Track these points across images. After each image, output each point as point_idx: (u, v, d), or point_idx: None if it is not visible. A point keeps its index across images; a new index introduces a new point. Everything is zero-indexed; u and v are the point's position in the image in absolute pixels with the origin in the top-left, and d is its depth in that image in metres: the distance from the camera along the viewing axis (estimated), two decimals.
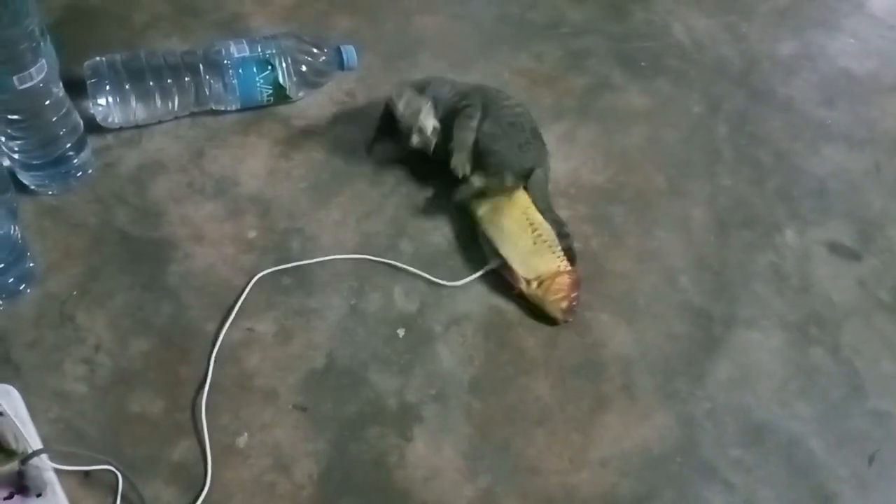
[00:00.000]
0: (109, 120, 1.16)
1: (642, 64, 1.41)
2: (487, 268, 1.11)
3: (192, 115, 1.21)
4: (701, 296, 1.11)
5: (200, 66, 1.17)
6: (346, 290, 1.06)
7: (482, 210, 1.13)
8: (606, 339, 1.05)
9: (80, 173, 1.11)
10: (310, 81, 1.23)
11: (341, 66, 1.23)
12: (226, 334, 1.00)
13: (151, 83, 1.15)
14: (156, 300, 1.03)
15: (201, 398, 0.95)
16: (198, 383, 0.96)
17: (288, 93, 1.22)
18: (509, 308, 1.07)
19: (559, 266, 1.09)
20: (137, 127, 1.19)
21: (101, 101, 1.14)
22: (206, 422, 0.93)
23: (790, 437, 0.99)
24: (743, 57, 1.47)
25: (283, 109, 1.24)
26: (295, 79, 1.21)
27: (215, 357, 0.98)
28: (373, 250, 1.10)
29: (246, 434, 0.94)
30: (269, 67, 1.19)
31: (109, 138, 1.18)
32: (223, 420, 0.94)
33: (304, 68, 1.21)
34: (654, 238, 1.17)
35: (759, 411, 1.01)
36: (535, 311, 1.08)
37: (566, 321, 1.07)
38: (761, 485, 0.95)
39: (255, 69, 1.18)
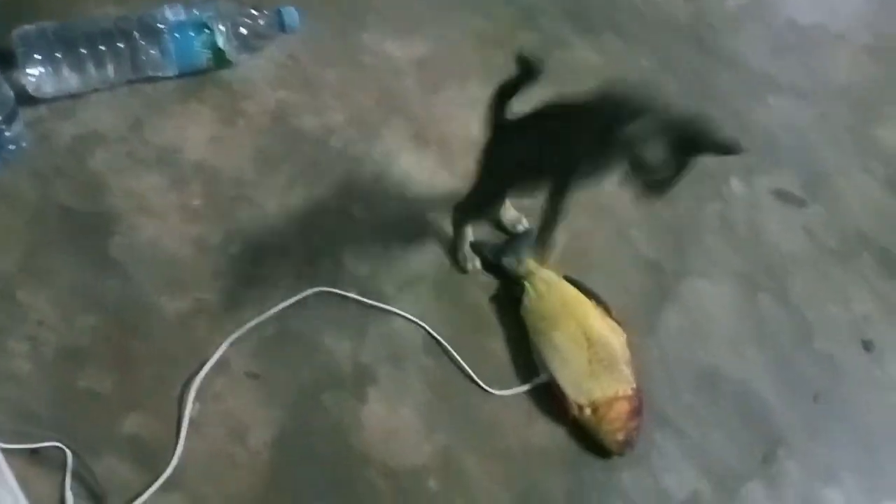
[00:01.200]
0: (42, 90, 1.11)
1: (593, 21, 1.40)
2: (538, 381, 1.00)
3: (130, 82, 1.17)
4: (652, 249, 1.12)
5: (135, 31, 1.13)
6: (295, 255, 1.04)
7: (532, 318, 1.03)
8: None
9: (14, 147, 1.07)
10: (251, 45, 1.20)
11: (282, 28, 1.20)
12: (174, 305, 0.98)
13: (84, 50, 1.11)
14: (101, 275, 1.00)
15: (154, 372, 0.93)
16: (148, 357, 0.95)
17: (228, 57, 1.18)
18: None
19: (617, 391, 0.97)
20: (72, 97, 1.15)
21: (32, 70, 1.09)
22: (160, 394, 0.92)
23: (740, 383, 1.01)
24: (691, 11, 1.47)
25: (224, 74, 1.21)
26: (235, 42, 1.18)
27: (166, 327, 0.97)
28: (322, 215, 1.09)
29: (198, 404, 0.92)
30: (207, 30, 1.15)
31: (43, 109, 1.14)
32: (174, 391, 0.93)
33: (243, 31, 1.17)
34: (605, 194, 1.16)
35: (708, 358, 1.03)
36: (588, 439, 0.97)
37: (621, 455, 0.95)
38: (712, 429, 0.97)
39: (192, 33, 1.14)
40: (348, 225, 1.08)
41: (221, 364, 0.96)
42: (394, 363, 0.98)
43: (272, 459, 0.90)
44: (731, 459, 0.96)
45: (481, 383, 0.97)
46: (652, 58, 1.34)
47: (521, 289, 1.04)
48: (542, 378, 0.98)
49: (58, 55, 1.10)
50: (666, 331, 1.04)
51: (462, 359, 0.99)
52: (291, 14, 1.20)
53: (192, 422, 0.91)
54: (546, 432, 0.95)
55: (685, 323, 1.05)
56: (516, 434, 0.95)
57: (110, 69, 1.14)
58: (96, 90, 1.15)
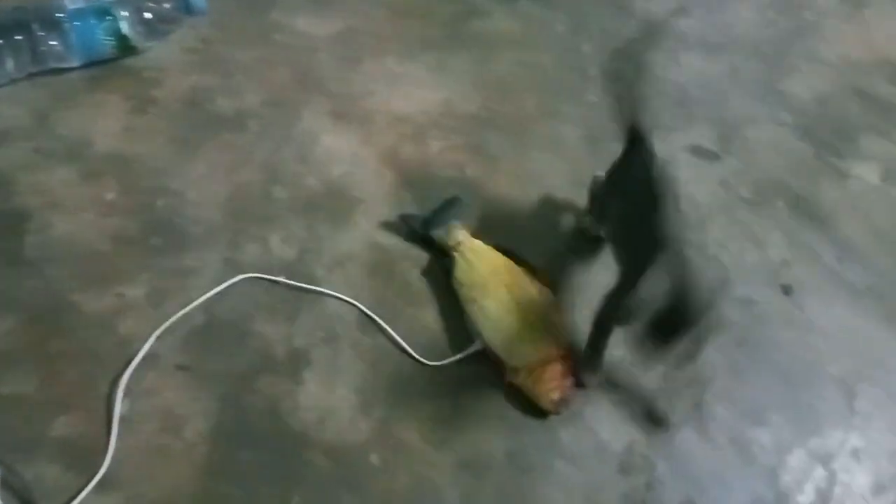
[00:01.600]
0: None
1: None
2: (472, 349, 1.00)
3: (32, 76, 1.13)
4: (578, 212, 1.14)
5: (33, 22, 1.09)
6: (219, 243, 1.03)
7: (462, 287, 1.03)
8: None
9: None
10: (157, 30, 1.17)
11: (189, 10, 1.18)
12: (95, 302, 0.96)
13: None
14: (15, 275, 0.97)
15: (80, 371, 0.91)
16: (71, 356, 0.92)
17: (134, 43, 1.15)
18: (391, 243, 1.07)
19: (550, 352, 0.98)
20: None
21: None
22: (87, 393, 0.90)
23: None
24: None
25: (132, 62, 1.18)
26: (140, 28, 1.15)
27: (88, 325, 0.94)
28: (245, 201, 1.07)
29: (128, 400, 0.90)
30: (110, 17, 1.12)
31: None
32: (102, 389, 0.91)
33: (148, 16, 1.14)
34: (529, 160, 1.18)
35: None
36: (526, 402, 0.98)
37: (558, 413, 0.98)
38: (641, 379, 0.99)
39: (93, 20, 1.11)
40: (272, 208, 1.07)
41: (150, 358, 0.94)
42: (328, 344, 0.98)
43: (209, 450, 0.89)
44: (663, 407, 0.98)
45: (416, 356, 0.98)
46: (567, 22, 1.36)
47: (451, 260, 1.05)
48: (476, 346, 0.99)
49: None
50: (594, 289, 1.06)
51: (396, 333, 0.99)
52: None
53: (123, 419, 0.89)
54: (483, 398, 0.96)
55: (611, 279, 1.07)
56: (454, 403, 0.96)
57: (10, 64, 1.09)
58: None
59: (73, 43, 1.11)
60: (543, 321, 1.00)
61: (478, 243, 1.06)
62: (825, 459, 0.98)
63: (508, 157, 1.17)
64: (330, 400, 0.94)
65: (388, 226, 1.07)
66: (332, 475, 0.90)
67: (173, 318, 0.95)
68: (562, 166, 1.17)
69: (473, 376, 0.98)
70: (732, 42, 1.40)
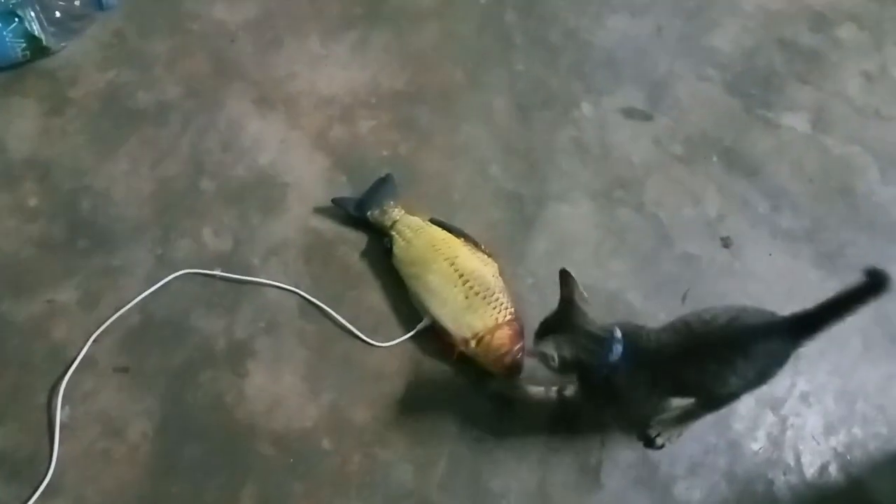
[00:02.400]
0: None
1: None
2: (421, 326, 0.99)
3: None
4: (512, 180, 1.13)
5: None
6: (149, 240, 1.01)
7: (403, 265, 1.02)
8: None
9: None
10: (69, 28, 1.12)
11: (100, 5, 1.13)
12: (25, 310, 0.93)
13: None
14: None
15: (12, 382, 0.88)
16: (4, 367, 0.90)
17: (45, 43, 1.11)
18: (327, 227, 1.06)
19: (497, 319, 0.99)
20: None
21: None
22: (23, 403, 0.87)
23: (609, 294, 1.05)
24: None
25: (45, 63, 1.13)
26: (51, 28, 1.10)
27: (19, 335, 0.91)
28: (172, 195, 1.04)
29: (67, 407, 0.88)
30: (17, 19, 1.07)
31: None
32: (40, 398, 0.88)
33: (58, 14, 1.10)
34: (460, 133, 1.17)
35: (578, 276, 1.03)
36: (477, 372, 0.98)
37: (512, 378, 0.98)
38: None
39: (0, 24, 1.07)
40: (201, 201, 1.04)
41: (87, 363, 0.92)
42: (270, 333, 0.97)
43: (154, 449, 0.87)
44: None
45: (365, 338, 0.97)
46: None
47: (389, 239, 1.04)
48: (425, 322, 0.99)
49: None
50: (535, 257, 1.06)
51: (341, 317, 0.98)
52: None
53: (63, 426, 0.87)
54: (432, 372, 0.96)
55: (552, 246, 1.08)
56: (403, 380, 0.95)
57: None
58: None
59: None
60: (488, 289, 1.00)
61: (414, 220, 1.06)
62: (774, 405, 1.00)
63: (439, 132, 1.16)
64: (276, 389, 0.93)
65: (322, 210, 1.05)
66: (282, 464, 0.89)
67: (108, 322, 0.93)
68: (493, 136, 1.17)
69: (421, 352, 0.98)
70: (655, 2, 1.40)
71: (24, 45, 1.10)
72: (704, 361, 0.84)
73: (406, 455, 0.91)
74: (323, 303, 0.99)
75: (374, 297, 1.01)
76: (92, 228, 1.00)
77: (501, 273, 1.02)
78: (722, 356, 0.84)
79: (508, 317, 0.99)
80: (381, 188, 1.08)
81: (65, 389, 0.89)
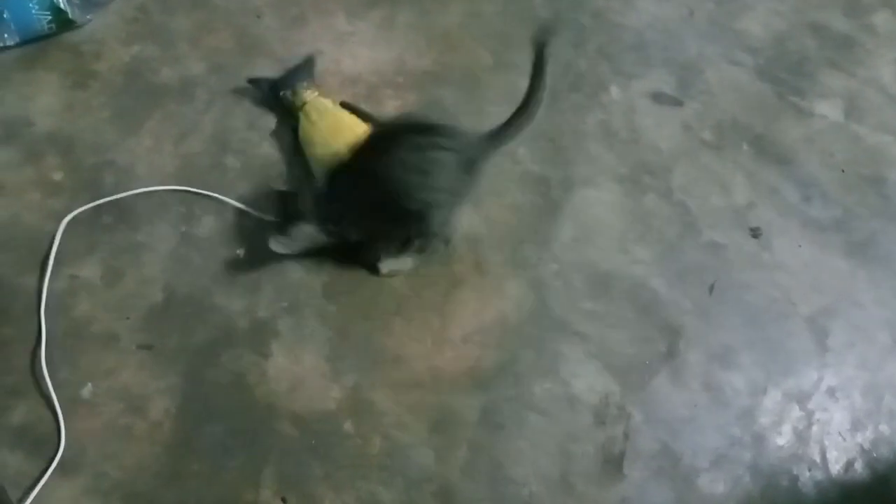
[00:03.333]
0: None
1: None
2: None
3: None
4: (539, 164, 1.12)
5: None
6: (173, 218, 1.00)
7: (306, 147, 1.04)
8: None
9: None
10: (94, 2, 1.12)
11: None
12: (48, 285, 0.93)
13: None
14: None
15: (34, 357, 0.88)
16: (25, 342, 0.89)
17: (71, 17, 1.10)
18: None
19: None
20: None
21: None
22: (42, 379, 0.87)
23: (634, 282, 1.03)
24: None
25: (70, 37, 1.13)
26: (76, 1, 1.09)
27: (41, 311, 0.91)
28: (196, 172, 1.04)
29: (90, 384, 0.88)
30: None
31: None
32: (63, 373, 0.88)
33: None
34: (486, 115, 1.14)
35: (603, 263, 1.05)
36: None
37: None
38: (612, 330, 0.99)
39: None
40: (226, 178, 1.03)
41: (110, 340, 0.91)
42: (292, 313, 0.96)
43: (175, 427, 0.87)
44: (635, 356, 0.98)
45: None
46: None
47: (295, 120, 1.06)
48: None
49: None
50: (559, 243, 1.05)
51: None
52: None
53: (85, 402, 0.87)
54: (451, 357, 0.95)
55: (577, 232, 1.06)
56: (423, 363, 0.94)
57: None
58: None
59: (8, 21, 1.06)
60: None
61: (324, 102, 1.07)
62: (801, 399, 0.99)
63: (465, 113, 1.14)
64: (298, 369, 0.93)
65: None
66: (303, 444, 0.89)
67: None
68: None
69: (441, 336, 0.96)
70: None
71: (49, 17, 1.09)
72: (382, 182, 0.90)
73: (427, 440, 0.90)
74: (345, 283, 0.98)
75: (396, 280, 0.99)
76: (115, 204, 0.99)
77: None
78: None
79: None
80: (295, 71, 1.09)
81: (87, 365, 0.89)
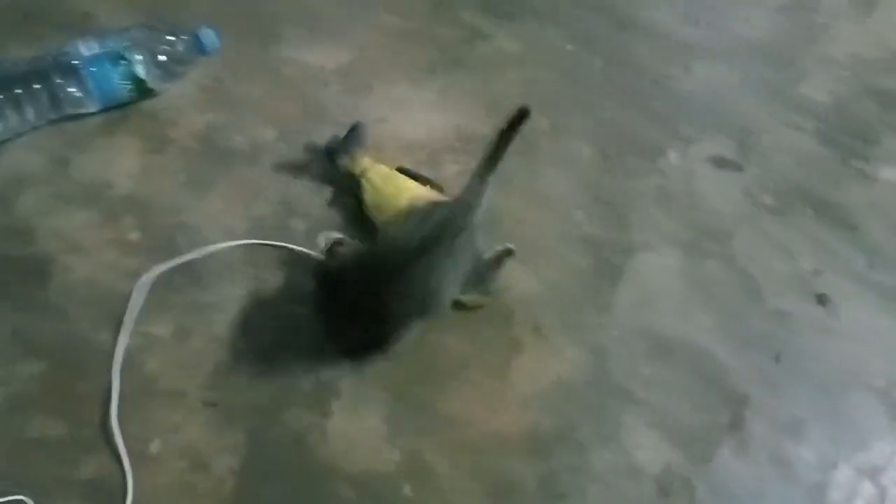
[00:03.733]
0: None
1: (508, 9, 1.40)
2: None
3: (52, 122, 1.14)
4: (596, 227, 1.12)
5: (50, 70, 1.10)
6: (241, 278, 1.03)
7: (374, 211, 1.07)
8: (511, 284, 1.05)
9: None
10: (172, 71, 1.18)
11: (202, 51, 1.18)
12: (121, 343, 0.95)
13: (0, 96, 1.08)
14: (39, 319, 0.97)
15: (106, 412, 0.90)
16: (98, 397, 0.92)
17: (150, 85, 1.16)
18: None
19: None
20: None
21: None
22: (112, 434, 0.89)
23: (697, 350, 1.02)
24: None
25: (149, 104, 1.18)
26: (156, 70, 1.16)
27: (114, 367, 0.94)
28: (263, 234, 1.06)
29: (157, 440, 0.90)
30: (125, 61, 1.13)
31: None
32: (132, 429, 0.90)
33: (162, 58, 1.15)
34: (544, 179, 1.17)
35: (665, 330, 1.04)
36: None
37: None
38: (676, 399, 0.98)
39: (109, 65, 1.12)
40: (292, 242, 1.05)
41: (177, 396, 0.93)
42: (354, 373, 0.96)
43: (237, 484, 0.87)
44: (699, 426, 0.96)
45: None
46: (572, 39, 1.35)
47: (359, 186, 1.08)
48: None
49: None
50: (619, 307, 1.05)
51: None
52: (209, 36, 1.18)
53: (152, 457, 0.89)
54: (509, 421, 0.94)
55: (637, 297, 1.06)
56: (482, 427, 0.94)
57: (30, 112, 1.11)
58: (18, 134, 1.13)
59: (91, 88, 1.12)
60: None
61: (383, 167, 1.09)
62: (873, 474, 0.95)
63: (523, 177, 1.16)
64: (357, 431, 0.93)
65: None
66: None
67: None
68: (577, 183, 1.16)
69: (500, 401, 0.96)
70: (744, 48, 1.38)
71: (130, 86, 1.15)
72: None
73: None
74: (404, 344, 0.97)
75: (455, 342, 1.00)
76: (187, 265, 1.02)
77: None
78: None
79: None
80: (351, 136, 1.11)
81: (155, 421, 0.91)
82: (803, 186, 1.20)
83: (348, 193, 1.09)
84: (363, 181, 1.08)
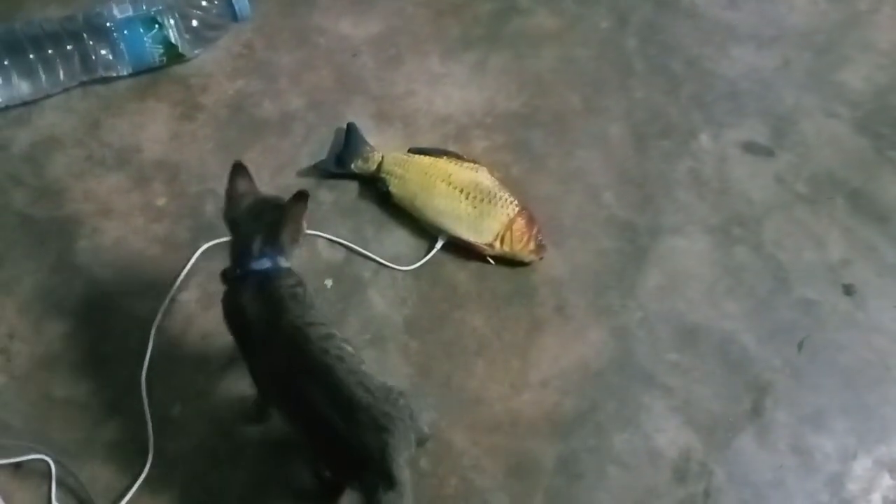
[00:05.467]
0: None
1: None
2: (438, 246, 1.05)
3: (83, 84, 1.14)
4: (625, 209, 1.11)
5: (83, 32, 1.10)
6: None
7: (406, 200, 1.07)
8: (536, 263, 1.05)
9: None
10: (203, 37, 1.17)
11: (234, 17, 1.17)
12: (147, 306, 0.96)
13: (32, 56, 1.08)
14: (67, 280, 0.99)
15: (131, 374, 0.92)
16: (123, 360, 0.93)
17: (181, 51, 1.16)
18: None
19: (509, 214, 1.06)
20: (25, 104, 1.12)
21: None
22: (138, 397, 0.90)
23: (722, 336, 1.01)
24: None
25: (179, 69, 1.18)
26: (187, 35, 1.15)
27: (139, 331, 0.95)
28: None
29: (179, 404, 0.91)
30: (157, 25, 1.13)
31: None
32: (155, 392, 0.92)
33: (195, 23, 1.15)
34: (574, 158, 1.16)
35: (690, 314, 1.03)
36: (509, 262, 1.05)
37: (542, 258, 1.05)
38: (698, 384, 0.97)
39: (141, 29, 1.12)
40: (319, 212, 1.06)
41: (201, 362, 0.94)
42: (375, 346, 0.97)
43: (256, 452, 0.89)
44: (720, 413, 0.96)
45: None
46: (609, 17, 1.32)
47: (383, 182, 1.08)
48: (441, 242, 1.05)
49: (5, 63, 1.07)
50: (645, 291, 1.04)
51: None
52: (242, 2, 1.18)
53: (174, 420, 0.90)
54: (530, 400, 0.95)
55: (664, 281, 1.05)
56: (502, 406, 0.94)
57: (61, 73, 1.11)
58: (49, 95, 1.13)
59: (123, 52, 1.12)
60: (489, 193, 1.07)
61: (397, 155, 1.10)
62: (893, 467, 0.94)
63: (553, 156, 1.15)
64: None
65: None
66: None
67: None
68: (607, 164, 1.15)
69: (521, 382, 0.96)
70: (784, 33, 1.35)
71: (161, 50, 1.15)
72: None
73: (503, 485, 0.89)
74: (427, 320, 1.00)
75: (478, 320, 1.00)
76: (214, 231, 1.02)
77: (491, 172, 1.09)
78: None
79: (517, 208, 1.06)
80: (351, 139, 1.11)
81: (179, 386, 0.92)
82: (836, 175, 1.18)
83: (374, 190, 1.08)
84: (385, 176, 1.07)
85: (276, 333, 0.77)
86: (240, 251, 0.81)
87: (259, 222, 0.81)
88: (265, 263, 0.80)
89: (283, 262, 0.81)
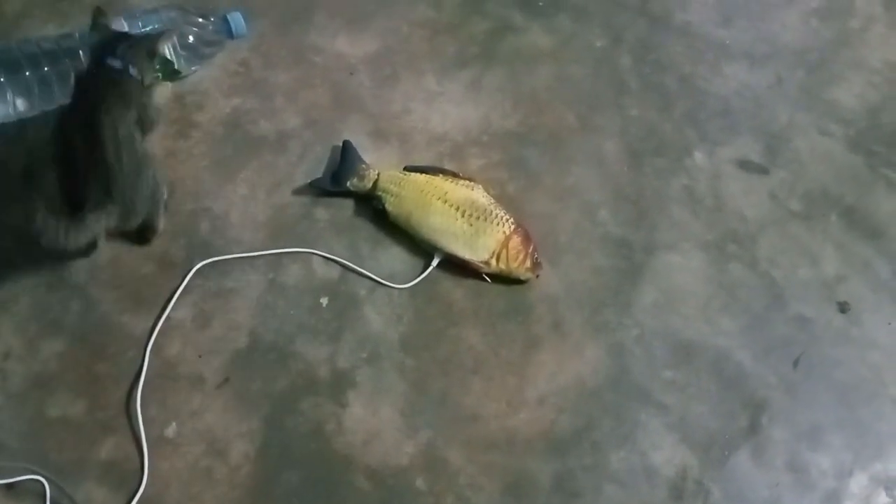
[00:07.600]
0: None
1: (540, 3, 1.39)
2: (434, 264, 1.05)
3: None
4: (620, 226, 1.12)
5: (80, 49, 1.10)
6: (262, 265, 1.03)
7: (402, 218, 1.07)
8: (532, 281, 1.05)
9: None
10: (200, 54, 1.17)
11: (230, 34, 1.18)
12: (142, 324, 0.97)
13: (28, 73, 1.08)
14: (63, 299, 0.98)
15: (125, 393, 0.92)
16: (118, 379, 0.93)
17: (177, 68, 1.16)
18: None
19: (505, 231, 1.06)
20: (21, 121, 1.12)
21: None
22: (132, 416, 0.90)
23: (717, 353, 1.01)
24: None
25: (175, 86, 1.18)
26: (183, 53, 1.15)
27: (134, 350, 0.95)
28: (286, 221, 1.07)
29: (174, 423, 0.91)
30: None
31: None
32: (150, 412, 0.91)
33: (191, 40, 1.15)
34: (569, 175, 1.17)
35: (685, 331, 1.03)
36: (505, 280, 1.05)
37: (538, 275, 1.05)
38: (694, 401, 0.97)
39: None
40: (314, 229, 1.06)
41: (195, 381, 0.94)
42: (371, 364, 0.97)
43: (254, 472, 0.89)
44: (717, 430, 0.96)
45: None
46: (604, 35, 1.33)
47: (379, 200, 1.08)
48: (437, 259, 1.05)
49: (1, 80, 1.07)
50: (640, 307, 1.04)
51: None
52: (238, 20, 1.18)
53: (169, 441, 0.90)
54: (526, 418, 0.95)
55: (659, 298, 1.05)
56: (499, 423, 0.94)
57: (56, 90, 1.11)
58: (45, 112, 1.13)
59: None
60: (485, 210, 1.07)
61: (393, 173, 1.10)
62: (889, 484, 0.94)
63: (548, 173, 1.15)
64: (374, 422, 0.93)
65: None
66: (376, 499, 0.89)
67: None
68: (602, 181, 1.15)
69: (517, 398, 0.96)
70: (777, 51, 1.36)
71: (157, 67, 1.15)
72: None
73: (500, 503, 0.89)
74: (423, 337, 1.00)
75: (474, 337, 1.00)
76: (209, 249, 1.03)
77: (487, 190, 1.09)
78: None
79: (512, 226, 1.07)
80: (347, 157, 1.11)
81: (174, 405, 0.92)
82: (830, 192, 1.18)
83: (370, 207, 1.08)
84: (381, 194, 1.08)
85: None
86: None
87: None
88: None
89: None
